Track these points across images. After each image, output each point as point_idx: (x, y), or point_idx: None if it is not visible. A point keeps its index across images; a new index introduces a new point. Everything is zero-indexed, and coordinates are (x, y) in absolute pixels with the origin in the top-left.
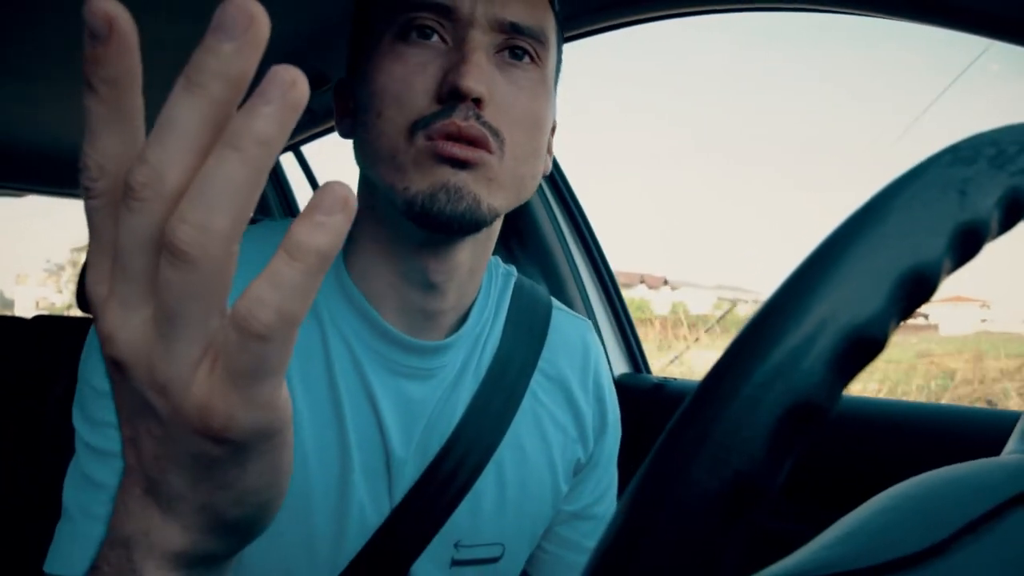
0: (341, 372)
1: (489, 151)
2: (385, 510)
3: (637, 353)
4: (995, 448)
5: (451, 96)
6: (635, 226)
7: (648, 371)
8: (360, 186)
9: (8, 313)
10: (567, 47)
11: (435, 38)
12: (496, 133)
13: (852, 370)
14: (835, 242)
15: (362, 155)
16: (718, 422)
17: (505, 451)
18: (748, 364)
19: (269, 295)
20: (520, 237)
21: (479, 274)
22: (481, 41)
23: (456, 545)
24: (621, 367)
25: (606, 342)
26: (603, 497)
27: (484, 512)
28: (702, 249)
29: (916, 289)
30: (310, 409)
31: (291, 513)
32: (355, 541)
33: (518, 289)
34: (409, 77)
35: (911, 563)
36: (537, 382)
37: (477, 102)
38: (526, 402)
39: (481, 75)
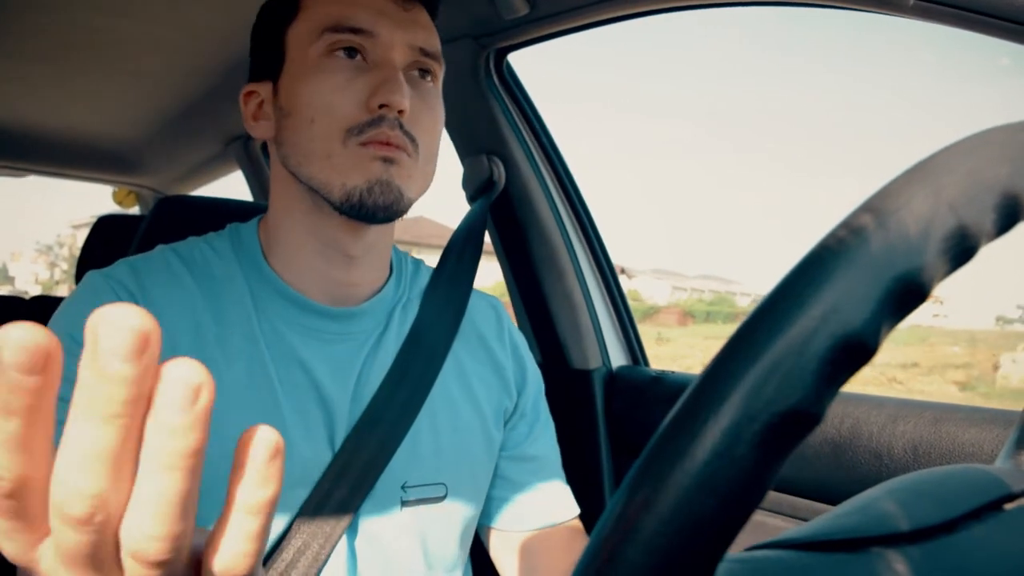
0: (268, 348)
1: (408, 154)
2: (327, 459)
3: (636, 346)
4: (993, 446)
5: (380, 108)
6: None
7: (647, 364)
8: (281, 184)
9: (9, 288)
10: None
11: (358, 57)
12: (413, 139)
13: (899, 313)
14: (879, 196)
15: (292, 156)
16: (767, 355)
17: (437, 401)
18: (801, 299)
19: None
20: (520, 227)
21: (388, 251)
22: (399, 62)
23: (403, 487)
24: (619, 359)
25: (605, 334)
26: (538, 439)
27: (423, 455)
28: (691, 240)
29: (959, 245)
30: (246, 387)
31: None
32: (300, 490)
33: (439, 271)
34: (340, 89)
35: (923, 536)
36: (460, 344)
37: (399, 113)
38: (451, 361)
39: (405, 92)
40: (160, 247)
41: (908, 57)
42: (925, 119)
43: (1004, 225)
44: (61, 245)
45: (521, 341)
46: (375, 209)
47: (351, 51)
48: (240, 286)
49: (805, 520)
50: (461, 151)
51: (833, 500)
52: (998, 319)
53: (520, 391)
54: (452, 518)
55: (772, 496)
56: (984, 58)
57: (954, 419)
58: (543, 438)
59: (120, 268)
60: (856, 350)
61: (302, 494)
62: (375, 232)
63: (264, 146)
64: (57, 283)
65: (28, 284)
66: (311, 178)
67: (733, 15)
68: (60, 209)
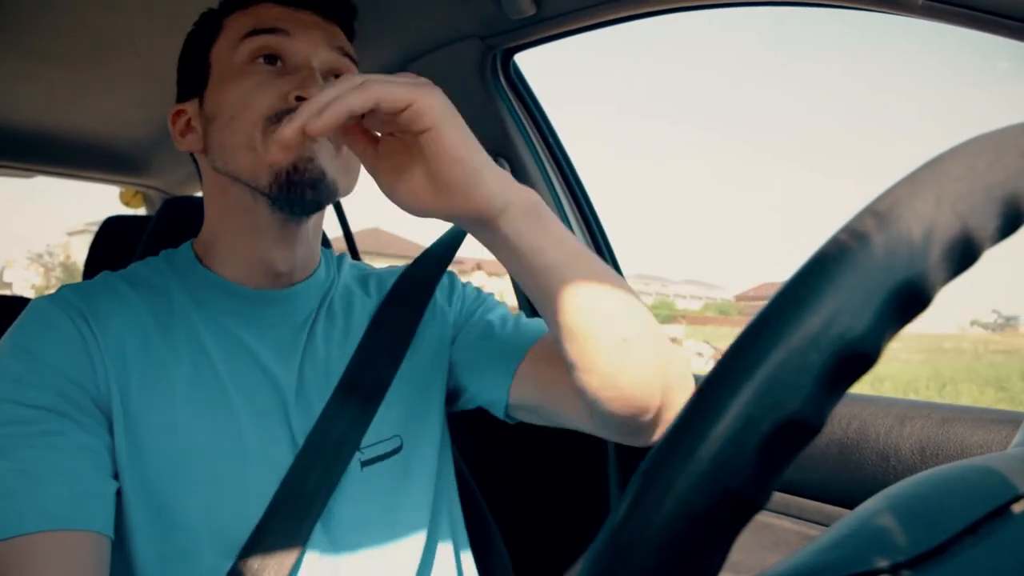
0: (213, 340)
1: (329, 139)
2: (284, 437)
3: None
4: (1001, 447)
5: (298, 100)
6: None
7: None
8: (214, 190)
9: (8, 291)
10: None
11: (278, 63)
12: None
13: (842, 386)
14: (826, 255)
15: (219, 156)
16: (706, 439)
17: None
18: (737, 380)
19: None
20: None
21: (318, 239)
22: (318, 65)
23: (359, 448)
24: None
25: None
26: (490, 311)
27: (376, 416)
28: (679, 244)
29: (909, 302)
30: (192, 380)
31: (197, 464)
32: (263, 469)
33: (416, 266)
34: (259, 87)
35: (910, 566)
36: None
37: None
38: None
39: (322, 88)
40: (102, 273)
41: (908, 59)
42: (924, 121)
43: (1007, 229)
44: (51, 254)
45: (458, 283)
46: (303, 188)
47: (271, 58)
48: (178, 291)
49: (812, 522)
50: None
51: (840, 502)
52: (972, 323)
53: (450, 301)
54: (411, 466)
55: (779, 498)
56: (985, 60)
57: (962, 420)
58: (494, 311)
59: (66, 291)
60: (857, 358)
61: (267, 474)
62: (303, 240)
63: None
64: (48, 288)
65: (24, 289)
66: (239, 172)
67: (733, 17)
68: (53, 217)
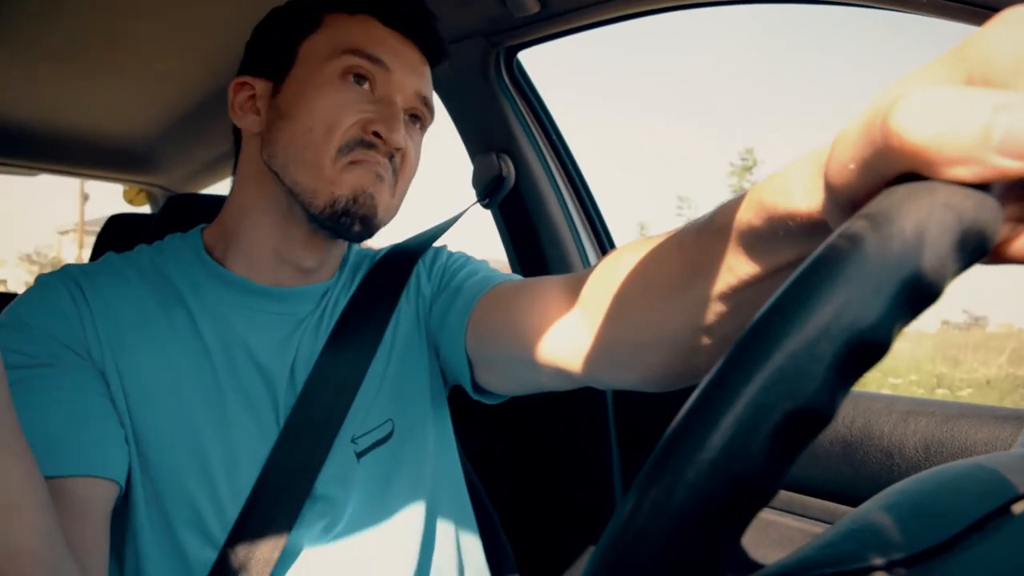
0: (210, 332)
1: (388, 180)
2: (275, 432)
3: None
4: (1006, 445)
5: (375, 135)
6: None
7: None
8: (255, 179)
9: (3, 288)
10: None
11: (366, 85)
12: (396, 175)
13: (853, 375)
14: (837, 245)
15: (279, 156)
16: (718, 427)
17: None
18: (748, 368)
19: None
20: (530, 225)
21: (344, 247)
22: (401, 104)
23: (353, 440)
24: None
25: None
26: (463, 269)
27: (365, 404)
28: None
29: (920, 293)
30: (187, 369)
31: (186, 450)
32: (252, 463)
33: (386, 260)
34: (344, 108)
35: (916, 561)
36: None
37: (396, 151)
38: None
39: (403, 133)
40: (108, 254)
41: (913, 56)
42: None
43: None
44: (39, 253)
45: (441, 251)
46: (354, 219)
47: (361, 77)
48: (180, 279)
49: (815, 520)
50: (471, 149)
51: (844, 499)
52: (943, 323)
53: (430, 274)
54: (405, 450)
55: (783, 495)
56: None
57: (967, 418)
58: (463, 270)
59: (69, 268)
60: (868, 348)
61: (255, 468)
62: (337, 246)
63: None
64: None
65: (19, 286)
66: (296, 183)
67: (734, 18)
68: (43, 217)
